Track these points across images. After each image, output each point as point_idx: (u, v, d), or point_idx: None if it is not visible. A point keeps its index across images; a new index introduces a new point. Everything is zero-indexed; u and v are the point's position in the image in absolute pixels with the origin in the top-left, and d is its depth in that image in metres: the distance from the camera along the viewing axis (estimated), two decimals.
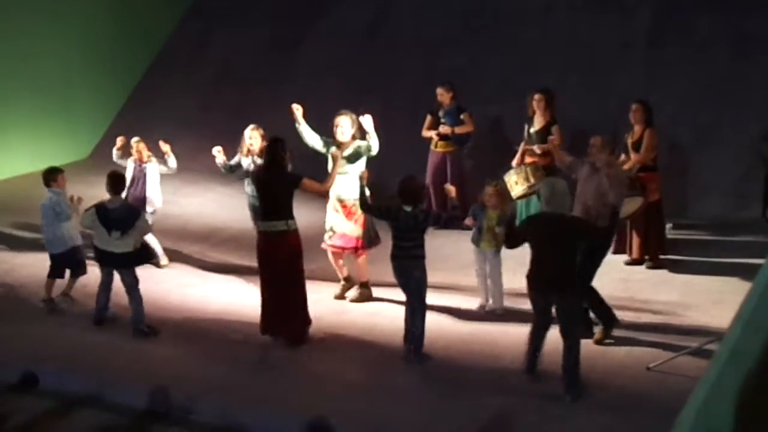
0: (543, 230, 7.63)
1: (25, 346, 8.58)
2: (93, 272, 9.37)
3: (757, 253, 9.25)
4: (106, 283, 9.06)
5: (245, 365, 8.24)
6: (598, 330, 8.47)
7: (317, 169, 9.34)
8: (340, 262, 9.69)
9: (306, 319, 8.72)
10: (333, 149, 9.33)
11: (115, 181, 9.14)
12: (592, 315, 8.57)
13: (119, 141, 10.77)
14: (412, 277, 8.28)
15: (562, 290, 7.53)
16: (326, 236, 9.55)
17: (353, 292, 9.63)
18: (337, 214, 9.47)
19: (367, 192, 8.91)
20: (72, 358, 8.34)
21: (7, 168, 14.23)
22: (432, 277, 8.42)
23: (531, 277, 7.65)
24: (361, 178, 9.00)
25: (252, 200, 10.05)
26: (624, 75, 13.22)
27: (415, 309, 8.28)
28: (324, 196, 9.35)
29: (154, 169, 10.47)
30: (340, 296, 9.69)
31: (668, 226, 10.91)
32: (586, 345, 7.70)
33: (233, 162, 10.24)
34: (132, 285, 8.93)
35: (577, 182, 8.88)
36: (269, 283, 8.60)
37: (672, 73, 13.07)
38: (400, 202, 8.30)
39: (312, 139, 9.54)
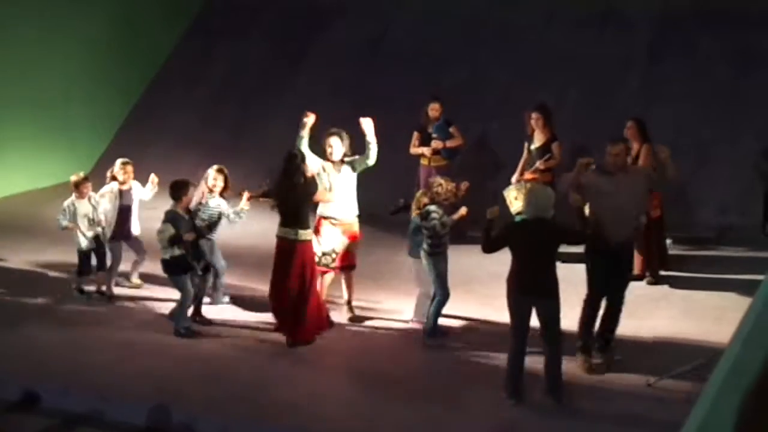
0: (524, 236, 7.61)
1: (26, 364, 8.57)
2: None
3: (758, 269, 9.23)
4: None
5: (246, 383, 8.23)
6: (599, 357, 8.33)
7: None
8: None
9: (309, 325, 8.93)
10: (327, 192, 9.29)
11: (172, 187, 9.29)
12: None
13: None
14: None
15: (546, 295, 7.52)
16: (327, 260, 9.35)
17: (348, 313, 9.59)
18: (334, 234, 9.33)
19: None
20: (73, 376, 8.33)
21: (6, 185, 14.24)
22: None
23: (513, 282, 7.60)
24: None
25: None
26: (624, 91, 13.25)
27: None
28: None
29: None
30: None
31: (668, 241, 10.92)
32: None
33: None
34: (179, 290, 9.27)
35: (592, 197, 8.34)
36: (280, 283, 8.89)
37: (672, 89, 13.10)
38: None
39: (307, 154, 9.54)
